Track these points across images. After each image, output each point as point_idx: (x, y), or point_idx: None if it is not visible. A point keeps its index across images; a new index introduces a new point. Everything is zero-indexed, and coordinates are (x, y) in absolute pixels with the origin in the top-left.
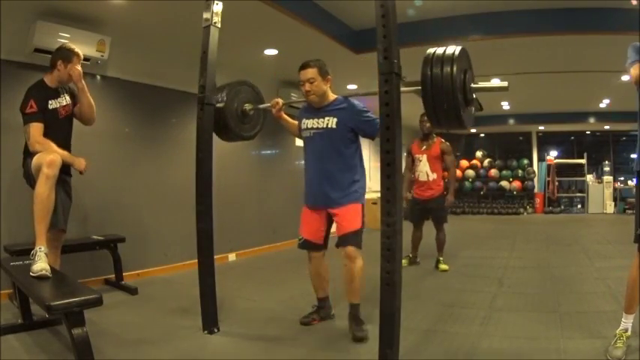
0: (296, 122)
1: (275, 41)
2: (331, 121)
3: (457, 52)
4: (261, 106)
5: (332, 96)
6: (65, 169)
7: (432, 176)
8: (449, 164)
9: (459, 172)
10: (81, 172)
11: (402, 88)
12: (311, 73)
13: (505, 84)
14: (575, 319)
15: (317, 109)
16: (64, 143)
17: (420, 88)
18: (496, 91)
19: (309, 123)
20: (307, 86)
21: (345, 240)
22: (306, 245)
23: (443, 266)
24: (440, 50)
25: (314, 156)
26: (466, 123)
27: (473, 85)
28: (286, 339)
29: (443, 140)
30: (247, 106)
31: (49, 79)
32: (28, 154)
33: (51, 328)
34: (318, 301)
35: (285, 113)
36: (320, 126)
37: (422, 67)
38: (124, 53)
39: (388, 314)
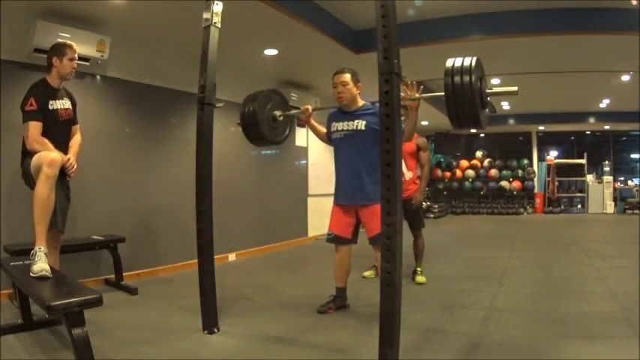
0: (323, 128)
1: (275, 41)
2: (360, 124)
3: (474, 63)
4: (292, 112)
5: (361, 102)
6: (63, 169)
7: (408, 175)
8: (424, 161)
9: (459, 173)
10: (69, 176)
11: (424, 94)
12: (345, 77)
13: (515, 88)
14: (575, 319)
15: (347, 113)
16: (62, 146)
17: (443, 94)
18: (507, 94)
19: (340, 125)
20: (340, 88)
21: (376, 241)
22: (334, 239)
23: (420, 278)
24: (458, 62)
25: (344, 156)
26: (483, 124)
27: (487, 91)
28: (286, 339)
29: (417, 135)
30: (277, 113)
31: (51, 79)
32: (27, 153)
33: (51, 328)
34: (336, 290)
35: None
36: (350, 128)
37: (444, 77)
38: (124, 53)
39: (388, 314)
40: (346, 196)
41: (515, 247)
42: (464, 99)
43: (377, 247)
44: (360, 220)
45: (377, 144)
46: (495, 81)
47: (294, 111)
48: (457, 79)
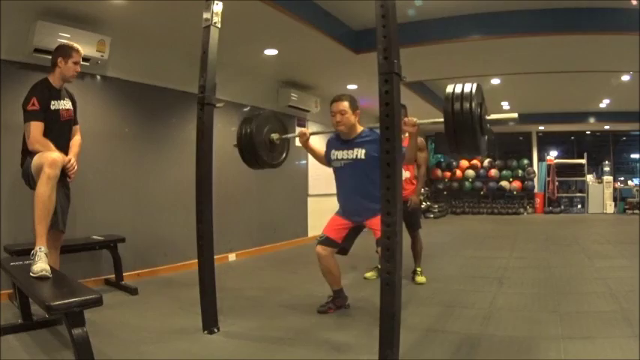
0: (321, 151)
1: (275, 41)
2: (360, 153)
3: (474, 90)
4: (289, 135)
5: (359, 128)
6: (63, 170)
7: (405, 175)
8: (421, 161)
9: (459, 173)
10: (69, 177)
11: (425, 121)
12: (343, 105)
13: (515, 115)
14: (575, 319)
15: (345, 141)
16: (63, 146)
17: (442, 120)
18: (507, 121)
19: (339, 154)
20: (338, 117)
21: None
22: (324, 241)
23: (420, 278)
24: (458, 88)
25: (345, 184)
26: (482, 151)
27: (487, 117)
28: (286, 339)
29: None
30: (274, 136)
31: (53, 79)
32: (28, 153)
33: (51, 328)
34: (333, 293)
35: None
36: (349, 157)
37: (444, 104)
38: (124, 53)
39: (388, 314)
40: (351, 217)
41: (516, 247)
42: (464, 126)
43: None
44: (359, 230)
45: (377, 170)
46: (495, 81)
47: (291, 134)
48: (457, 105)
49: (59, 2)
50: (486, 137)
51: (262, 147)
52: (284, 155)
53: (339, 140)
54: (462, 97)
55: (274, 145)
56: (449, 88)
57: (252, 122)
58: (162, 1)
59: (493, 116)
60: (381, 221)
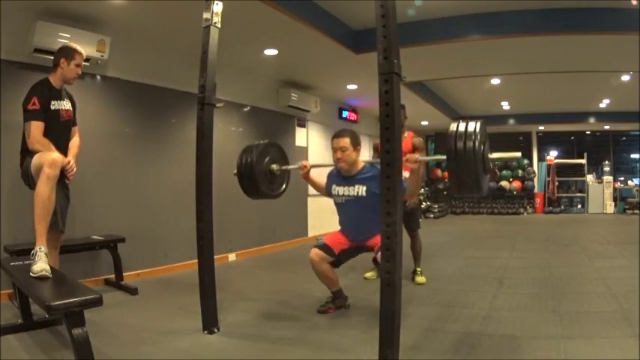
0: (322, 182)
1: (275, 41)
2: (361, 189)
3: (478, 129)
4: (289, 167)
5: (360, 164)
6: (62, 171)
7: (404, 174)
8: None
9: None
10: (68, 179)
11: (428, 157)
12: (344, 142)
13: (518, 154)
14: (575, 319)
15: (346, 178)
16: (62, 147)
17: (444, 157)
18: (509, 160)
19: (340, 190)
20: (339, 154)
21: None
22: (321, 247)
23: (420, 279)
24: (462, 127)
25: (346, 217)
26: (484, 190)
27: (490, 156)
28: (286, 339)
29: (414, 135)
30: (274, 167)
31: (54, 79)
32: (27, 152)
33: (51, 328)
34: (332, 294)
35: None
36: (351, 194)
37: (447, 141)
38: (124, 53)
39: (388, 314)
40: (352, 239)
41: (515, 247)
42: (466, 165)
43: (379, 254)
44: (360, 250)
45: (378, 206)
46: (495, 81)
47: (292, 166)
48: (460, 144)
49: (59, 2)
50: (489, 176)
51: (262, 177)
52: (284, 186)
53: (340, 176)
54: (465, 136)
55: (274, 176)
56: (452, 127)
57: (252, 152)
58: (163, 1)
59: (495, 155)
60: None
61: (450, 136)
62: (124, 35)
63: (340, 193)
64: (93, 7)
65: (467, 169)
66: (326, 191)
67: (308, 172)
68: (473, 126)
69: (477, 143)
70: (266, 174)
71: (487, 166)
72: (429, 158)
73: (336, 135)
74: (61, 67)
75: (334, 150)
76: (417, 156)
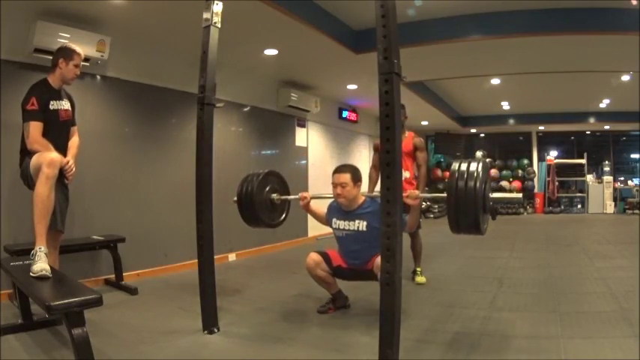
0: (322, 212)
1: (275, 41)
2: (361, 225)
3: (480, 169)
4: (289, 197)
5: (361, 198)
6: (61, 171)
7: (405, 175)
8: (421, 161)
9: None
10: (67, 179)
11: (428, 195)
12: (344, 178)
13: (519, 195)
14: (575, 319)
15: (347, 212)
16: (62, 147)
17: (445, 195)
18: (511, 201)
19: (341, 224)
20: (339, 189)
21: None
22: (322, 253)
23: (420, 279)
24: (464, 166)
25: (347, 249)
26: (483, 230)
27: (491, 196)
28: (286, 339)
29: (415, 135)
30: (274, 197)
31: (52, 79)
32: (27, 153)
33: (51, 328)
34: (331, 295)
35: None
36: (351, 228)
37: (448, 179)
38: (124, 53)
39: (388, 314)
40: (350, 264)
41: (516, 247)
42: (466, 205)
43: (377, 259)
44: (356, 276)
45: (378, 239)
46: (495, 81)
47: (292, 197)
48: (461, 184)
49: (59, 2)
50: (489, 216)
51: (262, 207)
52: (284, 216)
53: (341, 210)
54: (467, 175)
55: (275, 205)
56: (454, 165)
57: (253, 181)
58: (163, 1)
59: (496, 195)
60: (380, 221)
61: (452, 175)
62: (124, 35)
63: (341, 227)
64: (93, 7)
65: (466, 209)
66: (327, 222)
67: (308, 202)
68: (475, 166)
69: (478, 184)
70: (266, 203)
71: (487, 206)
72: (428, 195)
73: (337, 170)
74: (60, 67)
75: (334, 185)
76: (417, 192)
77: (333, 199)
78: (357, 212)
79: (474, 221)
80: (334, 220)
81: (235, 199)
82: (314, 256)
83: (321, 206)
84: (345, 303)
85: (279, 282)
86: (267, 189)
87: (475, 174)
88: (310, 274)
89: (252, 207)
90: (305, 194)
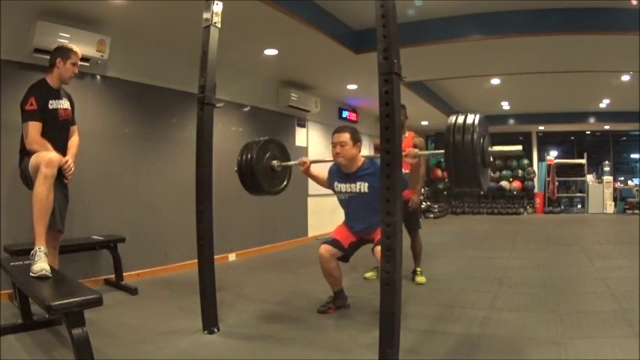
0: (323, 176)
1: (275, 41)
2: (363, 186)
3: (477, 121)
4: (289, 163)
5: (360, 160)
6: (61, 170)
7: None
8: (421, 161)
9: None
10: (66, 178)
11: (426, 152)
12: (344, 137)
13: (519, 147)
14: (575, 319)
15: (348, 175)
16: (61, 146)
17: (443, 152)
18: (511, 154)
19: (342, 187)
20: (338, 148)
21: (377, 243)
22: (331, 242)
23: (420, 279)
24: (461, 119)
25: (351, 212)
26: (483, 184)
27: (490, 150)
28: (286, 339)
29: (415, 135)
30: (275, 163)
31: (51, 79)
32: (26, 153)
33: (51, 328)
34: (333, 293)
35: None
36: (353, 190)
37: (445, 135)
38: (124, 53)
39: (388, 314)
40: (357, 232)
41: (516, 247)
42: (464, 159)
43: (377, 248)
44: (363, 243)
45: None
46: (495, 81)
47: (292, 162)
48: (458, 137)
49: (59, 2)
50: (489, 170)
51: (262, 174)
52: (285, 183)
53: (341, 173)
54: (463, 129)
55: (275, 173)
56: (451, 119)
57: (252, 149)
58: (163, 1)
59: (496, 148)
60: (381, 221)
61: (448, 129)
62: (124, 35)
63: (343, 190)
64: (93, 7)
65: (465, 164)
66: (328, 186)
67: (308, 167)
68: (472, 119)
69: (475, 136)
70: (266, 171)
71: (487, 160)
72: (427, 152)
73: (336, 130)
74: (58, 66)
75: (334, 145)
76: (416, 150)
77: (332, 163)
78: (358, 174)
79: (473, 175)
80: (336, 183)
81: (236, 168)
82: (327, 247)
83: (321, 171)
84: (345, 303)
85: (279, 282)
86: (267, 156)
87: (472, 128)
88: (322, 266)
89: (252, 175)
90: (304, 159)
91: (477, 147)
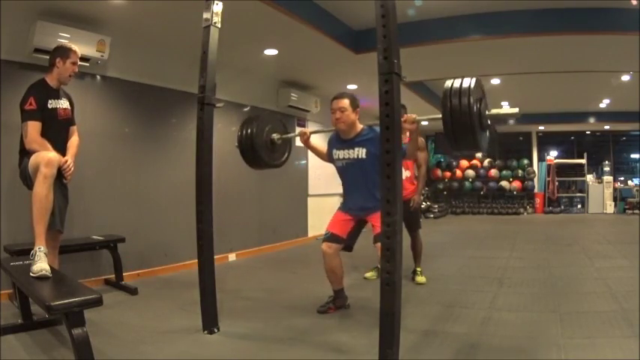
0: (323, 148)
1: (275, 41)
2: (361, 152)
3: (472, 85)
4: (290, 135)
5: (359, 126)
6: (60, 170)
7: (405, 174)
8: (421, 161)
9: (459, 173)
10: (66, 178)
11: (424, 117)
12: (343, 103)
13: (516, 110)
14: (575, 319)
15: (346, 141)
16: (61, 146)
17: (440, 117)
18: (508, 117)
19: (341, 154)
20: (338, 114)
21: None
22: (330, 238)
23: (420, 278)
24: (457, 83)
25: (349, 181)
26: (482, 147)
27: (487, 113)
28: (286, 339)
29: None
30: (275, 136)
31: (50, 79)
32: (26, 153)
33: (51, 328)
34: (333, 292)
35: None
36: (351, 156)
37: (442, 99)
38: (124, 53)
39: (388, 314)
40: (355, 210)
41: (516, 247)
42: (462, 122)
43: (378, 245)
44: (362, 226)
45: (378, 167)
46: (495, 81)
47: (292, 134)
48: (455, 101)
49: (59, 2)
50: (488, 133)
51: (263, 148)
52: (286, 155)
53: (340, 140)
54: (460, 92)
55: (275, 146)
56: (447, 83)
57: (253, 123)
58: (163, 1)
59: (493, 111)
60: (381, 221)
61: (445, 94)
62: (124, 35)
63: (341, 156)
64: (93, 7)
65: (463, 127)
66: (327, 157)
67: (308, 138)
68: (468, 82)
69: (472, 100)
70: (267, 144)
71: (484, 123)
72: (425, 118)
73: (336, 97)
74: (57, 66)
75: (333, 111)
76: (414, 116)
77: (332, 134)
78: (357, 140)
79: (471, 138)
80: (334, 151)
81: (237, 144)
82: (329, 244)
83: (321, 143)
84: (345, 303)
85: (279, 282)
86: (267, 129)
87: (468, 91)
88: (326, 263)
89: (253, 149)
90: (304, 130)
91: (473, 109)
